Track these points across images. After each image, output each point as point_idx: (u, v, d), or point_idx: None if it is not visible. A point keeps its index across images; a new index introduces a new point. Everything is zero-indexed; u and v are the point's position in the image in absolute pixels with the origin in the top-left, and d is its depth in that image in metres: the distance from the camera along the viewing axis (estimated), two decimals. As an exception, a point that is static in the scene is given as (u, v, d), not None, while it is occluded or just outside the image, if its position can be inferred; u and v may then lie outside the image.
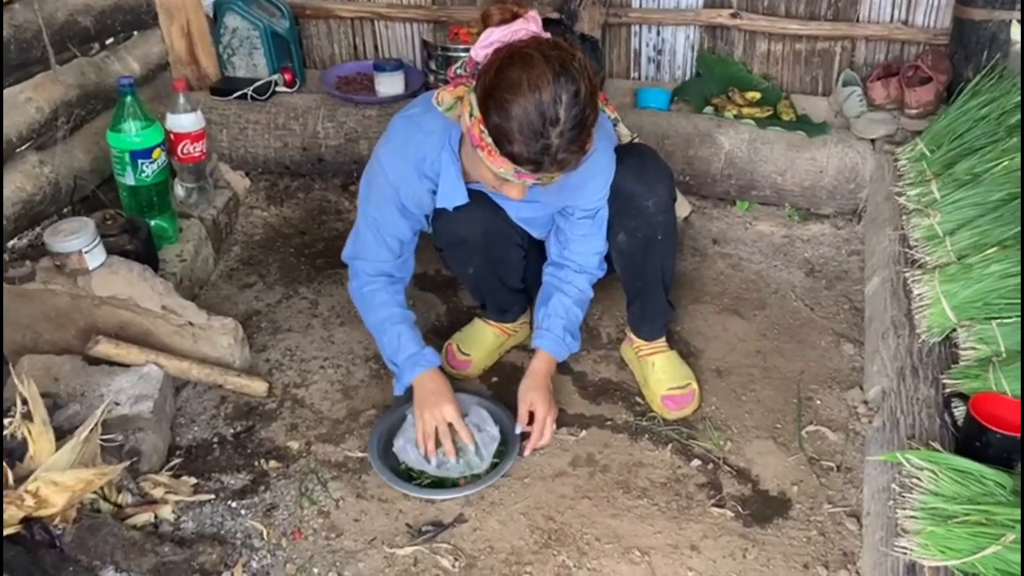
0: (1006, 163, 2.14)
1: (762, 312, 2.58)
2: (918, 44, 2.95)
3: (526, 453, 2.09)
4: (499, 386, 2.34)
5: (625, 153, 2.06)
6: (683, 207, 2.72)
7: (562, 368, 2.39)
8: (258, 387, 2.28)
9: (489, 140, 1.66)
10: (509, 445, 2.09)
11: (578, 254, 2.13)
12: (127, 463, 1.95)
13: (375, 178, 2.01)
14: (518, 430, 2.10)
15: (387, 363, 2.15)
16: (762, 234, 2.89)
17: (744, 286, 2.68)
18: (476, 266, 2.19)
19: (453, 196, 1.97)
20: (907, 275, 2.02)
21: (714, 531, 1.95)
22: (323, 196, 3.09)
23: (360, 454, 2.12)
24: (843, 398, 2.28)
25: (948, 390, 1.81)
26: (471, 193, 1.98)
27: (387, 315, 2.11)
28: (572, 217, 2.07)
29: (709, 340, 2.48)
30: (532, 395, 2.12)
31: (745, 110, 2.90)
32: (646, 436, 2.19)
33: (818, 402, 2.27)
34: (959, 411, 1.76)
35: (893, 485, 1.65)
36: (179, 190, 2.77)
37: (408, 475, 2.07)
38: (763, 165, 2.83)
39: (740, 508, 2.00)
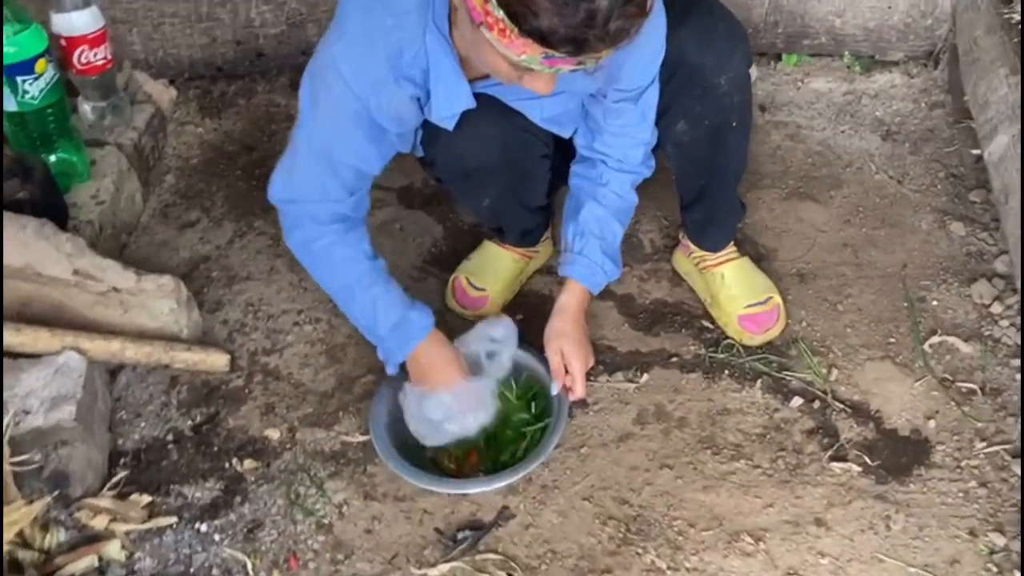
0: None
1: (839, 192, 2.06)
2: None
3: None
4: (525, 325, 1.82)
5: (683, 10, 1.47)
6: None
7: (603, 292, 1.87)
8: (216, 360, 1.75)
9: (500, 13, 1.08)
10: (553, 406, 1.59)
11: (615, 146, 1.57)
12: (48, 498, 1.44)
13: (328, 86, 1.38)
14: (555, 389, 1.60)
15: (363, 334, 1.62)
16: (819, 93, 2.34)
17: (810, 161, 2.15)
18: (494, 197, 1.64)
19: (452, 102, 1.38)
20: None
21: (840, 495, 1.49)
22: (269, 100, 2.48)
23: (362, 437, 1.62)
24: (966, 295, 1.79)
25: None
26: (476, 97, 1.41)
27: (353, 277, 1.54)
28: (606, 101, 1.50)
29: (780, 236, 1.97)
30: (562, 342, 1.60)
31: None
32: (725, 372, 1.70)
33: (935, 303, 1.78)
34: None
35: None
36: (85, 111, 2.16)
37: (430, 462, 1.58)
38: (816, 6, 2.25)
39: (867, 459, 1.54)
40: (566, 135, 1.58)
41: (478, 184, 1.59)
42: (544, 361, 1.63)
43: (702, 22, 1.47)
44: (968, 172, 2.05)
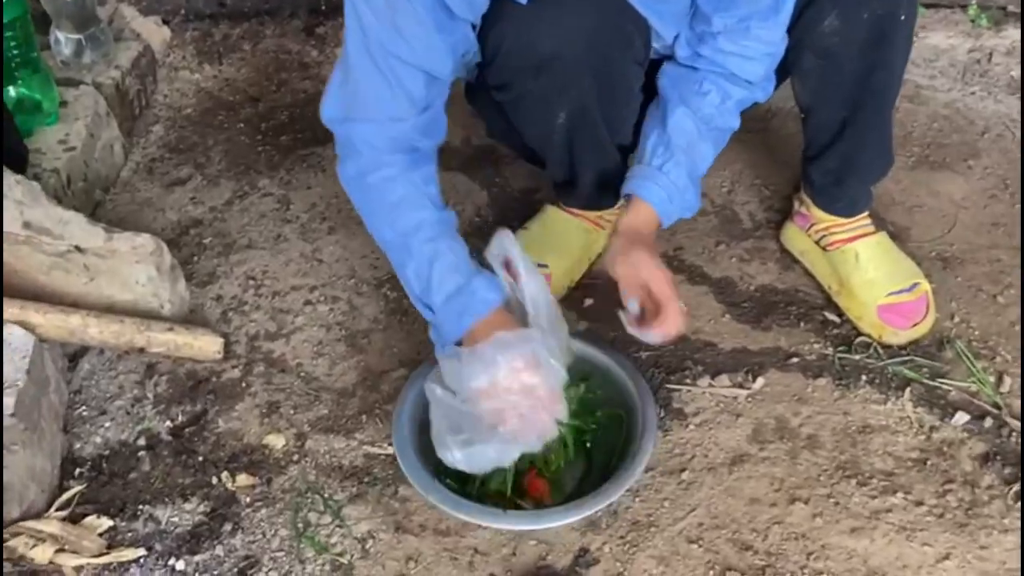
0: None
1: (977, 162, 1.68)
2: None
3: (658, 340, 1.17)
4: (597, 313, 1.44)
5: None
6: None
7: (691, 274, 1.50)
8: (206, 345, 1.37)
9: None
10: (638, 419, 1.20)
11: (730, 54, 1.18)
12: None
13: None
14: (634, 307, 1.17)
15: (415, 304, 1.22)
16: (939, 49, 1.95)
17: (937, 126, 1.77)
18: (571, 112, 1.24)
19: None
20: None
21: (1040, 546, 1.10)
22: (279, 46, 2.09)
23: (392, 449, 1.23)
24: None
25: None
26: None
27: (412, 224, 1.17)
28: None
29: (912, 212, 1.59)
30: (634, 258, 1.17)
31: None
32: (863, 379, 1.32)
33: (1125, 299, 1.40)
34: None
35: None
36: (59, 44, 1.79)
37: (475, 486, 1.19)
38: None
39: (1070, 498, 1.15)
40: (666, 35, 1.19)
41: (555, 85, 1.19)
42: (622, 360, 1.25)
43: None
44: None
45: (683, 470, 1.21)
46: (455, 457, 1.10)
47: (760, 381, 1.32)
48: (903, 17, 1.18)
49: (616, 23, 1.16)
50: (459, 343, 1.15)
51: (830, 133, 1.31)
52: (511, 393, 1.09)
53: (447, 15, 1.07)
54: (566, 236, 1.47)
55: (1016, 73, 1.87)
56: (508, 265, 1.19)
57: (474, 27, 1.16)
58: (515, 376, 1.09)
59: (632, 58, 1.22)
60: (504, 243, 1.19)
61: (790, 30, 1.19)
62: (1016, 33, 1.95)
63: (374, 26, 1.08)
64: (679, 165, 1.22)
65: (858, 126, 1.28)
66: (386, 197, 1.18)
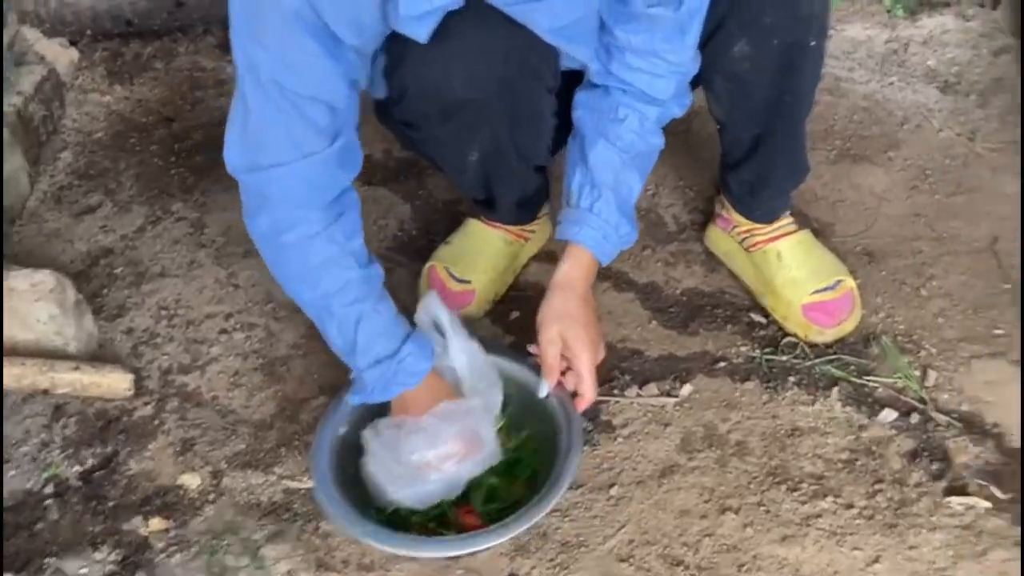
0: None
1: (898, 153, 1.68)
2: None
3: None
4: (524, 326, 1.41)
5: None
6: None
7: (617, 280, 1.48)
8: (116, 382, 1.31)
9: None
10: (565, 432, 1.17)
11: (640, 72, 1.14)
12: None
13: None
14: (543, 391, 1.19)
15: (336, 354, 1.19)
16: (856, 41, 1.95)
17: (857, 118, 1.77)
18: (485, 146, 1.20)
19: None
20: None
21: (969, 543, 1.10)
22: (193, 63, 2.03)
23: (311, 483, 1.19)
24: (1082, 272, 1.41)
25: None
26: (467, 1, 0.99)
27: (336, 285, 1.11)
28: (637, 5, 1.09)
29: (835, 207, 1.58)
30: (564, 326, 1.18)
31: None
32: (790, 379, 1.31)
33: (1042, 283, 1.41)
34: None
35: None
36: (-47, 72, 1.71)
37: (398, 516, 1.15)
38: (853, -65, 1.88)
39: (995, 490, 1.15)
40: (582, 57, 1.16)
41: (464, 127, 1.16)
42: (528, 365, 1.23)
43: None
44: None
45: (612, 485, 1.18)
46: (400, 495, 1.11)
47: (688, 388, 1.30)
48: (813, 43, 1.16)
49: (523, 57, 1.11)
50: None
51: (743, 149, 1.30)
52: (448, 461, 1.11)
53: (335, 41, 1.01)
54: (489, 249, 1.44)
55: (932, 62, 1.88)
56: (437, 327, 1.16)
57: (362, 53, 1.09)
58: (454, 451, 1.10)
59: (542, 88, 1.18)
60: (432, 307, 1.17)
61: (702, 50, 1.16)
62: (931, 22, 1.96)
63: (266, 62, 1.01)
64: (608, 202, 1.19)
65: (770, 143, 1.27)
66: (306, 259, 1.11)
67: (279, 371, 1.35)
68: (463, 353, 1.15)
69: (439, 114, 1.13)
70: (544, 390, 1.19)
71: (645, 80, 1.15)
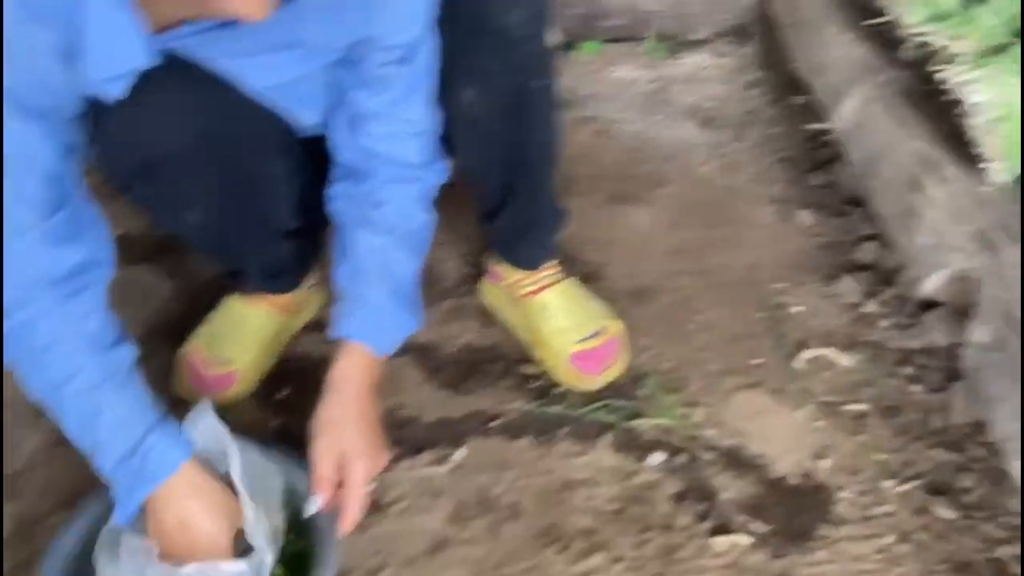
0: None
1: (664, 191, 1.73)
2: None
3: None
4: (294, 405, 1.35)
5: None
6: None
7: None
8: None
9: None
10: (319, 529, 1.10)
11: (384, 139, 1.11)
12: None
13: None
14: (311, 509, 1.08)
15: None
16: (623, 82, 2.01)
17: (625, 159, 1.81)
18: (203, 207, 1.13)
19: (119, 55, 0.87)
20: (944, 73, 1.21)
21: (733, 581, 1.11)
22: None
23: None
24: (830, 295, 1.48)
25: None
26: (165, 58, 0.92)
27: (63, 372, 0.99)
28: (368, 67, 1.05)
29: (606, 248, 1.60)
30: (337, 437, 1.10)
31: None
32: (563, 431, 1.30)
33: (796, 309, 1.46)
34: None
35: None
36: None
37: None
38: (610, -20, 1.94)
39: (757, 525, 1.17)
40: (306, 120, 1.12)
41: (172, 186, 1.07)
42: (292, 460, 1.15)
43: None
44: (802, 153, 1.77)
45: (381, 569, 1.13)
46: None
47: (462, 451, 1.27)
48: (537, 86, 1.16)
49: (234, 114, 1.05)
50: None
51: (494, 199, 1.29)
52: None
53: (26, 105, 0.89)
54: (249, 326, 1.37)
55: (693, 99, 1.95)
56: (210, 446, 1.07)
57: (66, 116, 1.00)
58: None
59: (266, 149, 1.13)
60: (202, 421, 1.08)
61: (440, 103, 1.14)
62: (690, 60, 2.05)
63: None
64: (378, 291, 1.14)
65: (519, 192, 1.26)
66: (32, 342, 0.98)
67: (16, 486, 1.23)
68: (240, 472, 1.03)
69: (142, 174, 1.05)
70: (311, 507, 1.08)
71: (392, 146, 1.12)
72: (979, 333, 1.09)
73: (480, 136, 1.19)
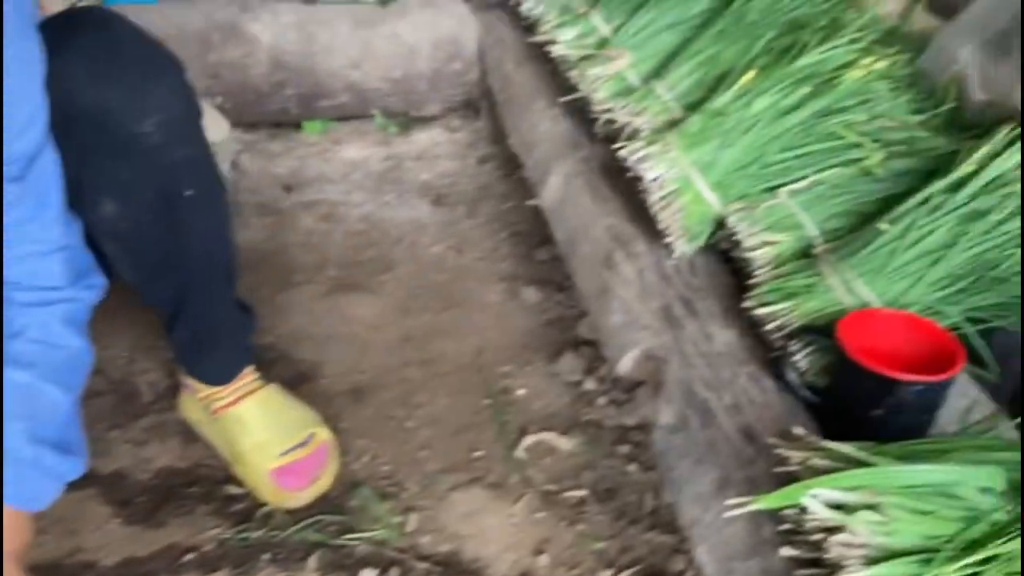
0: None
1: (391, 276, 1.66)
2: None
3: None
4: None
5: (69, 32, 0.96)
6: (217, 125, 1.60)
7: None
8: None
9: None
10: None
11: (21, 256, 0.96)
12: None
13: None
14: None
15: None
16: (353, 163, 1.94)
17: (353, 243, 1.73)
18: None
19: None
20: (625, 150, 1.21)
21: None
22: None
23: None
24: (554, 374, 1.44)
25: (771, 322, 1.04)
26: None
27: None
28: None
29: (324, 345, 1.50)
30: None
31: (280, -16, 1.90)
32: (265, 557, 1.17)
33: (521, 391, 1.42)
34: (806, 359, 0.99)
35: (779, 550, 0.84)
36: None
37: None
38: (327, 59, 1.87)
39: (471, 638, 1.09)
40: None
41: None
42: None
43: (95, 44, 0.96)
44: (531, 227, 1.75)
45: None
46: None
47: (147, 599, 1.12)
48: (190, 193, 1.06)
49: None
50: None
51: (166, 310, 1.16)
52: None
53: None
54: None
55: (426, 176, 1.91)
56: None
57: None
58: None
59: None
60: None
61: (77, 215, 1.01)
62: (423, 136, 2.01)
63: None
64: (17, 435, 0.96)
65: (192, 301, 1.15)
66: None
67: None
68: None
69: None
70: None
71: (30, 268, 0.97)
72: (664, 414, 1.07)
73: (130, 250, 1.07)
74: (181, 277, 1.13)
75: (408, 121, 2.02)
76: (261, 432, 1.24)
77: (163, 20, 1.78)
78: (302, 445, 1.25)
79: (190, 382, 1.28)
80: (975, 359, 1.04)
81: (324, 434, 1.28)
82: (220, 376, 1.25)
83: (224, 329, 1.23)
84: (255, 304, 1.32)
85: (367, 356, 1.48)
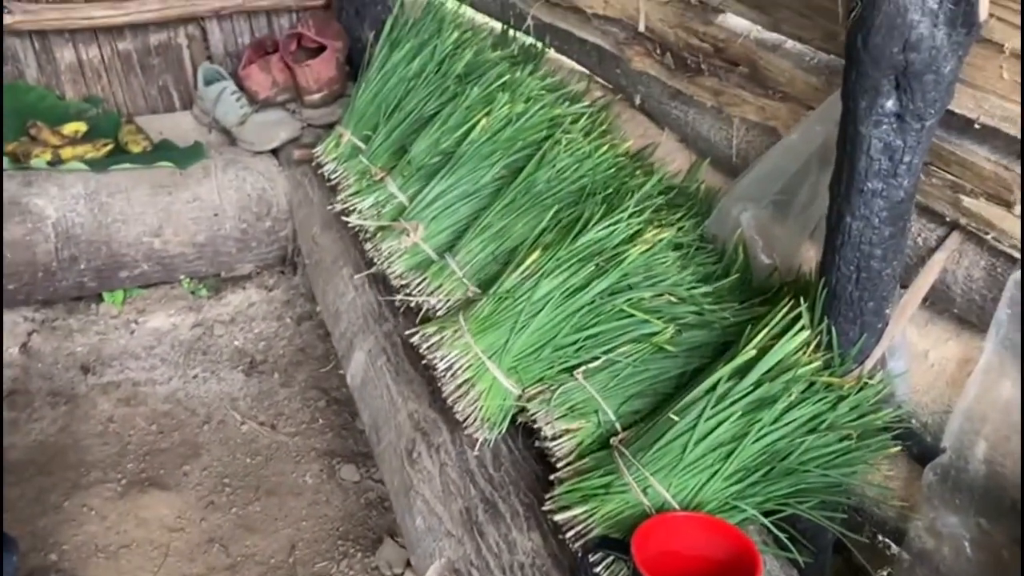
0: (481, 121, 1.38)
1: (196, 465, 1.52)
2: (289, 11, 2.13)
3: None
4: None
5: None
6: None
7: None
8: None
9: None
10: None
11: None
12: None
13: None
14: None
15: None
16: (159, 333, 1.81)
17: (156, 428, 1.59)
18: None
19: None
20: (417, 336, 1.14)
21: None
22: None
23: None
24: (373, 567, 1.33)
25: (570, 529, 0.96)
26: None
27: None
28: None
29: (117, 555, 1.35)
30: None
31: (67, 151, 1.78)
32: None
33: (338, 592, 1.30)
34: (606, 571, 0.92)
35: None
36: None
37: None
38: (124, 228, 1.74)
39: None
40: None
41: None
42: None
43: None
44: (350, 394, 1.65)
45: None
46: None
47: None
48: None
49: None
50: None
51: None
52: None
53: None
54: None
55: (239, 342, 1.80)
56: None
57: None
58: None
59: None
60: None
61: None
62: (236, 298, 1.90)
63: None
64: None
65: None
66: None
67: None
68: None
69: None
70: None
71: None
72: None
73: None
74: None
75: (219, 283, 1.90)
76: None
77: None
78: None
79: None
80: (782, 545, 1.00)
81: None
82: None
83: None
84: (34, 517, 1.17)
85: (166, 565, 1.34)
